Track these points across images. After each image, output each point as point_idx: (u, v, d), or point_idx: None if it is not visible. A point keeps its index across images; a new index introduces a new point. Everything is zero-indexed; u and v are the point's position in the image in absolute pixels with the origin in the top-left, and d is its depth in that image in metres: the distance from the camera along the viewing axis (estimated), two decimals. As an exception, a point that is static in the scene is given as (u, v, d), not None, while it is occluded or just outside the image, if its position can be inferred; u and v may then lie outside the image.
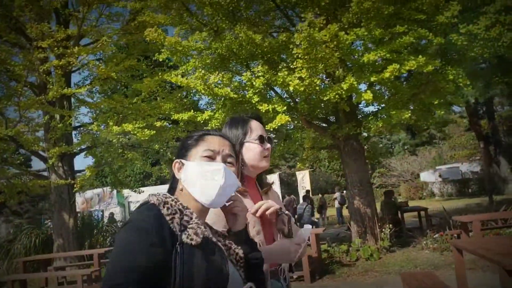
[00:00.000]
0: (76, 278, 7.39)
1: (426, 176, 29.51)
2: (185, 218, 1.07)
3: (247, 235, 1.29)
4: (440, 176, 28.12)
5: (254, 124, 1.62)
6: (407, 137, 33.55)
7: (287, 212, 1.56)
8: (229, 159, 1.24)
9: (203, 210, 1.19)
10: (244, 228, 1.28)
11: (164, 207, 1.05)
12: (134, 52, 11.19)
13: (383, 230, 8.46)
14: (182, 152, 1.24)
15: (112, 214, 16.50)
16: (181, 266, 0.99)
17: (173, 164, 1.24)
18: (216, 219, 1.33)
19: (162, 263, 0.98)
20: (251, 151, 1.58)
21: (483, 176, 23.13)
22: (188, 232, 1.04)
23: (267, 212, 1.48)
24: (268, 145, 1.61)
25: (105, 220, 15.04)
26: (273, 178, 17.78)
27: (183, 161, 1.21)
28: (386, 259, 7.60)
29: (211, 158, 1.20)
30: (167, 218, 1.03)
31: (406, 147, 35.32)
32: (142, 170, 24.80)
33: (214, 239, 1.12)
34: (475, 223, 6.02)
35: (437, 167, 29.45)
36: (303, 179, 20.20)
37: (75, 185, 9.84)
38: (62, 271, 8.55)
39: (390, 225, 8.78)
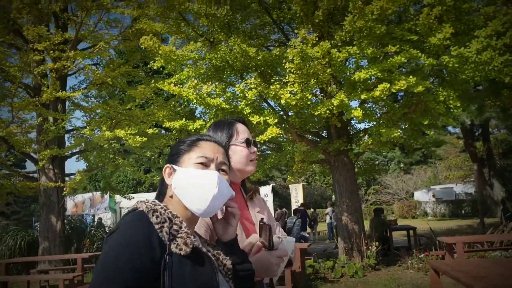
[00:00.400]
0: (58, 282, 7.32)
1: (420, 195, 29.49)
2: (175, 227, 1.03)
3: (237, 245, 1.23)
4: (434, 196, 28.10)
5: (240, 127, 1.57)
6: (401, 155, 33.56)
7: (268, 222, 1.50)
8: (223, 167, 1.18)
9: (193, 219, 1.13)
10: (234, 238, 1.23)
11: (153, 215, 1.01)
12: (132, 59, 11.26)
13: (370, 247, 8.44)
14: (174, 157, 1.17)
15: (100, 219, 16.40)
16: (169, 277, 0.95)
17: (163, 169, 1.18)
18: (196, 228, 1.27)
19: (150, 273, 0.94)
20: (237, 154, 1.51)
21: (476, 198, 23.13)
22: (177, 241, 1.00)
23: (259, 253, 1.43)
24: (255, 149, 1.56)
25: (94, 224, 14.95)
26: (267, 190, 17.72)
27: (174, 166, 1.14)
28: (371, 277, 7.56)
29: (205, 165, 1.14)
30: (156, 227, 1.00)
31: (401, 165, 35.33)
32: (135, 176, 24.73)
33: (204, 249, 1.07)
34: (459, 245, 6.01)
35: (431, 187, 29.45)
36: (297, 192, 20.15)
37: (64, 188, 9.80)
38: (45, 274, 8.47)
39: (377, 243, 8.75)
